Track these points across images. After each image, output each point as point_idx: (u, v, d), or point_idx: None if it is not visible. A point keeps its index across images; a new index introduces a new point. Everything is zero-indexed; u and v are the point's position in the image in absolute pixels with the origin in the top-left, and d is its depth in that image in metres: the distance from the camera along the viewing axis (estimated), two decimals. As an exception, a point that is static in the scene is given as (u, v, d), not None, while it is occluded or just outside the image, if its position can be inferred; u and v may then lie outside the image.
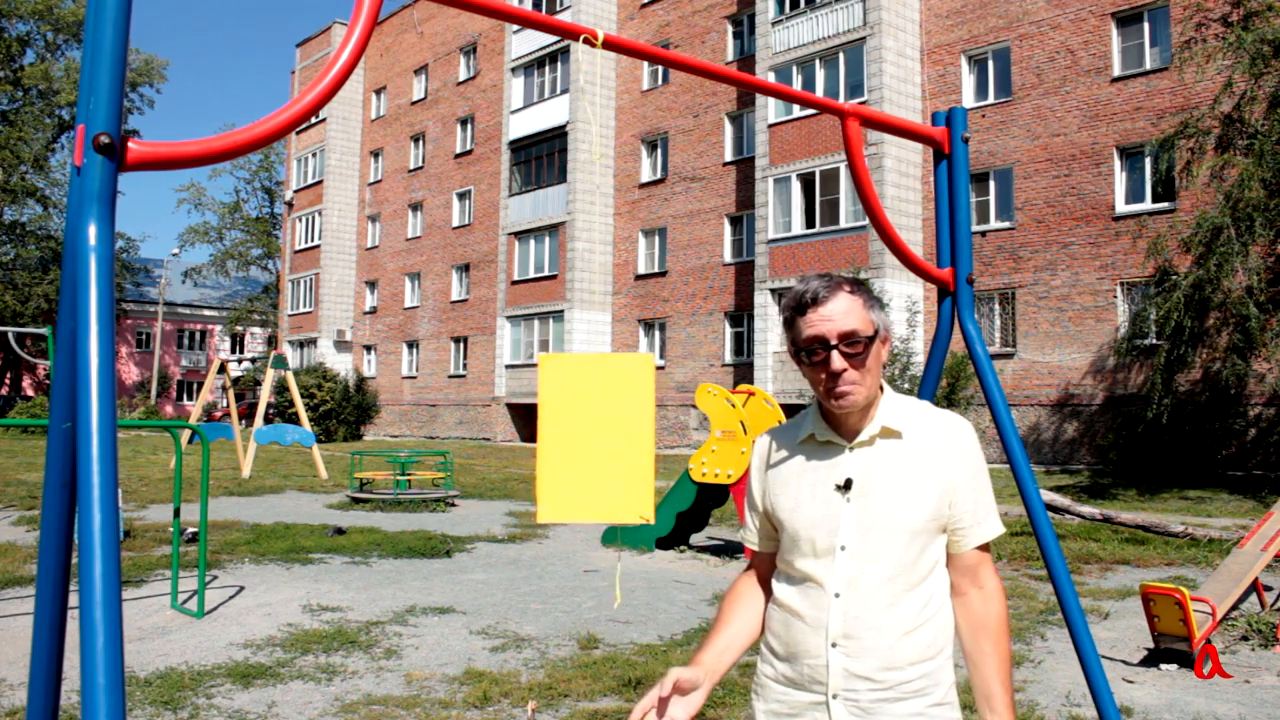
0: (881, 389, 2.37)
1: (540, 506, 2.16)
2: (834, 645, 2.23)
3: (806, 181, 30.13)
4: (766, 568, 2.49)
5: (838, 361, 2.24)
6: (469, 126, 45.99)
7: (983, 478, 2.34)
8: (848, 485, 2.28)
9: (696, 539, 13.46)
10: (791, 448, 2.42)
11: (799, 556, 2.31)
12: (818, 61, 30.25)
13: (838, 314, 2.25)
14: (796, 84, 30.32)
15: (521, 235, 40.57)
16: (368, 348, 51.62)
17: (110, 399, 1.66)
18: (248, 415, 45.83)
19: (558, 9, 39.37)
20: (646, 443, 2.18)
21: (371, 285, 51.84)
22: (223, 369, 26.76)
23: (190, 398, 71.94)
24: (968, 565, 2.33)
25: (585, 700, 6.19)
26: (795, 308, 2.30)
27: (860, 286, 2.34)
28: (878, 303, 2.35)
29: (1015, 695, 2.25)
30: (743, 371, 32.86)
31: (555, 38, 31.96)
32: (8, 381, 63.09)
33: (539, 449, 2.19)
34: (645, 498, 2.19)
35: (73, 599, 1.72)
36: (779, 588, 2.38)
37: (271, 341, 70.56)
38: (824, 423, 2.37)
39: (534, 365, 39.04)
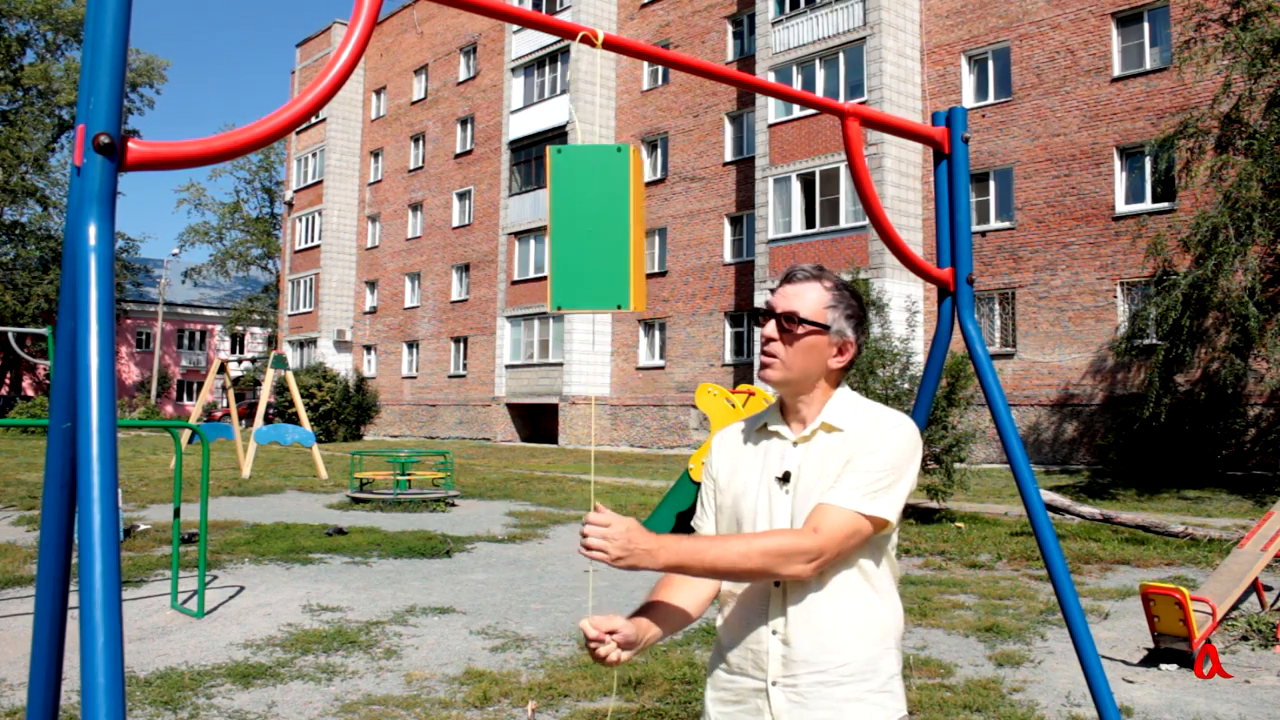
0: (833, 390, 2.41)
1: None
2: (774, 632, 2.29)
3: (806, 181, 30.13)
4: None
5: (769, 329, 2.37)
6: (469, 126, 45.98)
7: (877, 459, 2.26)
8: (786, 478, 2.34)
9: (696, 539, 13.44)
10: (748, 437, 2.50)
11: None
12: (818, 61, 30.25)
13: (793, 294, 2.37)
14: (796, 84, 30.31)
15: (522, 235, 40.57)
16: (368, 348, 51.61)
17: (110, 399, 1.66)
18: (248, 415, 45.81)
19: (558, 9, 39.36)
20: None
21: (371, 285, 51.83)
22: (223, 369, 26.75)
23: (190, 398, 71.91)
24: (810, 515, 2.24)
25: (585, 700, 6.19)
26: (780, 281, 2.45)
27: (843, 291, 2.40)
28: (847, 309, 2.39)
29: (709, 560, 2.16)
30: (743, 371, 32.86)
31: (555, 38, 31.98)
32: (8, 381, 63.06)
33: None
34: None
35: (73, 599, 1.72)
36: None
37: (271, 341, 70.54)
38: (779, 414, 2.45)
39: (533, 365, 39.07)
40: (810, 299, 2.35)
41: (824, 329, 2.35)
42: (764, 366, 2.36)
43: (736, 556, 2.16)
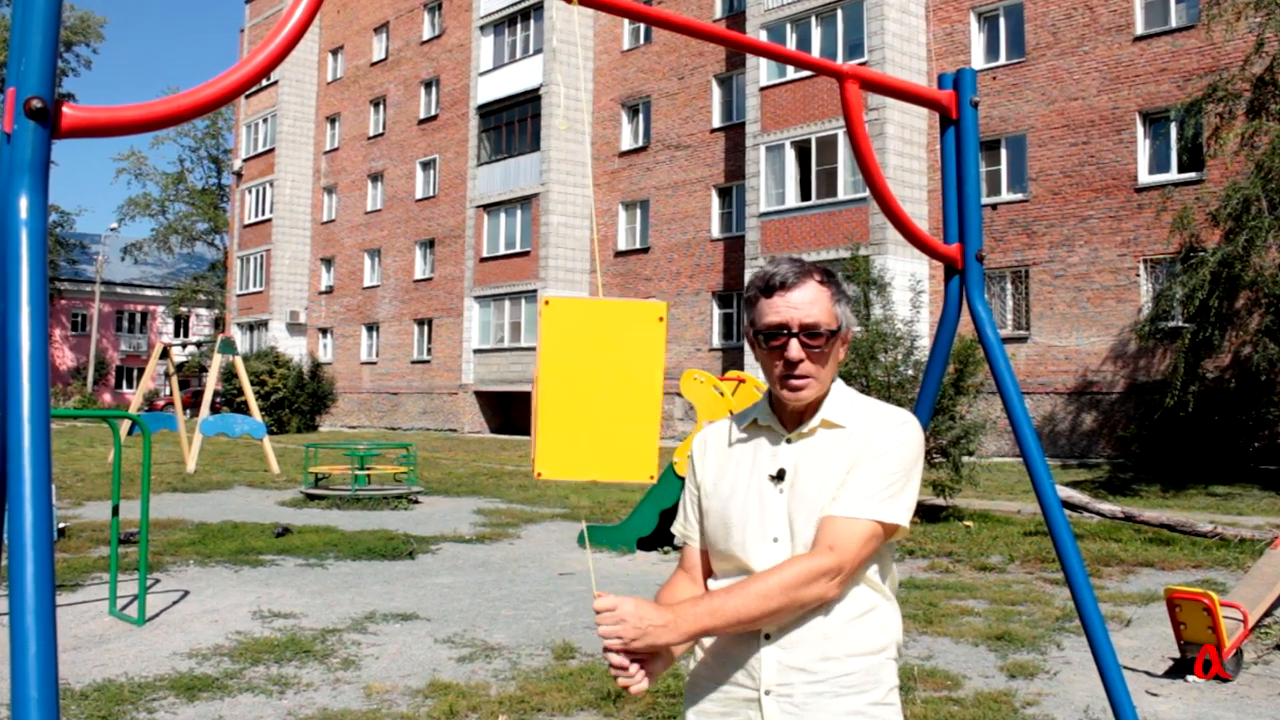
0: (831, 383, 2.45)
1: (539, 461, 2.24)
2: (767, 637, 2.29)
3: (801, 150, 30.12)
4: (702, 562, 2.54)
5: (795, 350, 2.33)
6: (434, 90, 45.82)
7: (887, 461, 2.31)
8: (780, 476, 2.37)
9: (682, 539, 13.43)
10: (734, 436, 2.52)
11: (733, 546, 2.38)
12: (814, 19, 30.20)
13: (804, 303, 2.35)
14: (791, 43, 30.28)
15: (491, 208, 40.47)
16: (323, 330, 51.50)
17: (43, 386, 1.66)
18: (193, 404, 45.65)
19: (531, -40, 39.24)
20: (654, 398, 2.30)
21: (328, 263, 51.70)
22: (165, 354, 26.64)
23: (130, 385, 71.64)
24: (821, 530, 2.28)
25: (560, 714, 6.20)
26: (762, 289, 2.39)
27: (831, 278, 2.43)
28: (845, 298, 2.44)
29: (726, 618, 2.25)
30: (732, 357, 32.87)
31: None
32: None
33: (539, 399, 2.26)
34: (650, 456, 2.33)
35: (1, 604, 1.72)
36: (712, 582, 2.46)
37: (219, 324, 70.26)
38: (770, 410, 2.47)
39: (504, 350, 39.05)
40: (822, 304, 2.36)
41: (840, 329, 2.40)
42: (796, 388, 2.35)
43: (758, 600, 2.19)
